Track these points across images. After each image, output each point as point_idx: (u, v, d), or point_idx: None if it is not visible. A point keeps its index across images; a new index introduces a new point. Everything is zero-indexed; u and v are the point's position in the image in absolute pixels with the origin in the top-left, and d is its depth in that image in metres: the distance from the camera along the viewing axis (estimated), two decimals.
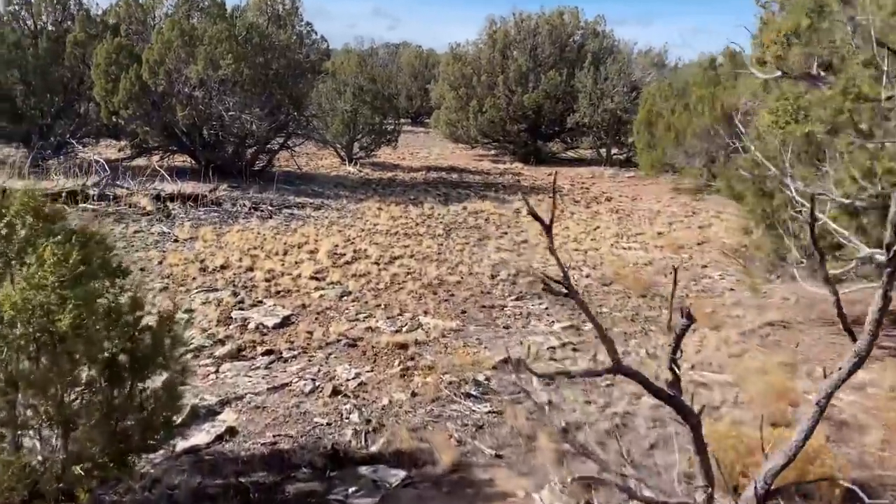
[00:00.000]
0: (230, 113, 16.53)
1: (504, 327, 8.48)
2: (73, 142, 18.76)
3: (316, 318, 8.42)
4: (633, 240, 13.94)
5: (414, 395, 6.35)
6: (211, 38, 16.03)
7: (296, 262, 10.76)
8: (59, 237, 4.10)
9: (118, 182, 15.13)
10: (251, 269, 10.33)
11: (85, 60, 17.81)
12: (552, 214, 3.91)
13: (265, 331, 7.93)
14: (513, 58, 26.45)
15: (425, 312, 8.85)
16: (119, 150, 19.35)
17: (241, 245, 11.68)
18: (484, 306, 9.21)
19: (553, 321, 8.78)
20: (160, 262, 10.35)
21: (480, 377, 6.79)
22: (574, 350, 7.79)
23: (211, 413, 5.87)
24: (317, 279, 10.02)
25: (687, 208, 17.76)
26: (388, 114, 23.96)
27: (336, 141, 22.69)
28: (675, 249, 13.03)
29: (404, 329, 8.21)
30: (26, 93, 18.22)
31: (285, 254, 11.32)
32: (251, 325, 8.00)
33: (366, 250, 11.72)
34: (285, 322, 8.23)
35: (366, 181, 20.16)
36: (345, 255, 11.42)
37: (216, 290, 9.24)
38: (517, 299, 9.61)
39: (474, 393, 6.35)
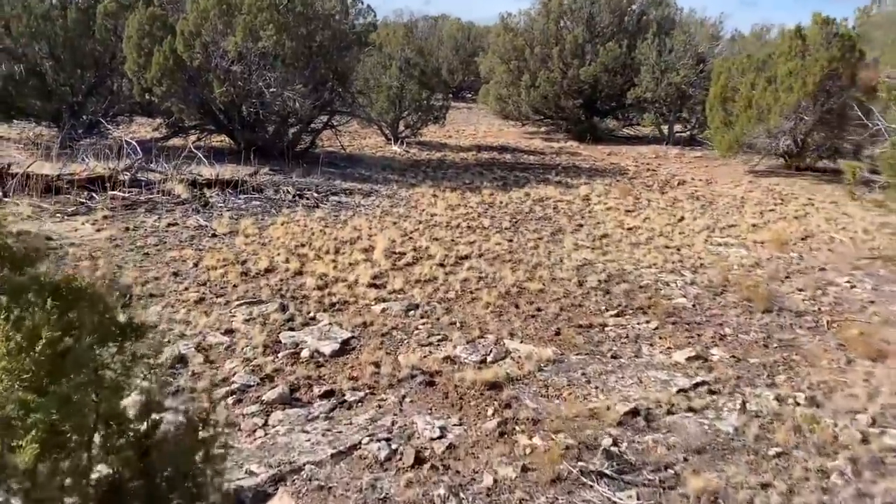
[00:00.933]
0: (271, 89, 14.92)
1: (612, 356, 6.81)
2: (105, 121, 17.36)
3: (381, 343, 6.83)
4: (727, 234, 12.09)
5: (525, 469, 4.73)
6: (250, 6, 14.39)
7: (350, 264, 9.19)
8: (30, 296, 2.55)
9: (151, 165, 13.70)
10: (300, 272, 8.77)
11: (117, 32, 16.33)
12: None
13: (322, 361, 6.38)
14: (568, 28, 24.40)
15: (511, 334, 7.21)
16: (154, 130, 17.92)
17: (287, 241, 10.13)
18: (580, 326, 7.54)
19: (669, 347, 7.08)
20: (196, 265, 8.85)
21: (606, 439, 5.14)
22: (711, 393, 6.09)
23: (259, 498, 4.33)
24: (376, 286, 8.44)
25: (773, 194, 15.76)
26: (436, 89, 22.18)
27: (381, 119, 21.01)
28: (780, 246, 11.16)
29: (489, 358, 6.59)
30: (55, 68, 16.84)
31: (337, 252, 9.75)
32: (305, 353, 6.45)
33: (427, 248, 10.09)
34: (345, 348, 6.67)
35: (414, 163, 18.49)
36: (404, 254, 9.80)
37: (261, 301, 7.71)
38: (617, 314, 7.91)
39: (607, 470, 4.70)
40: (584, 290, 8.68)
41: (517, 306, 8.04)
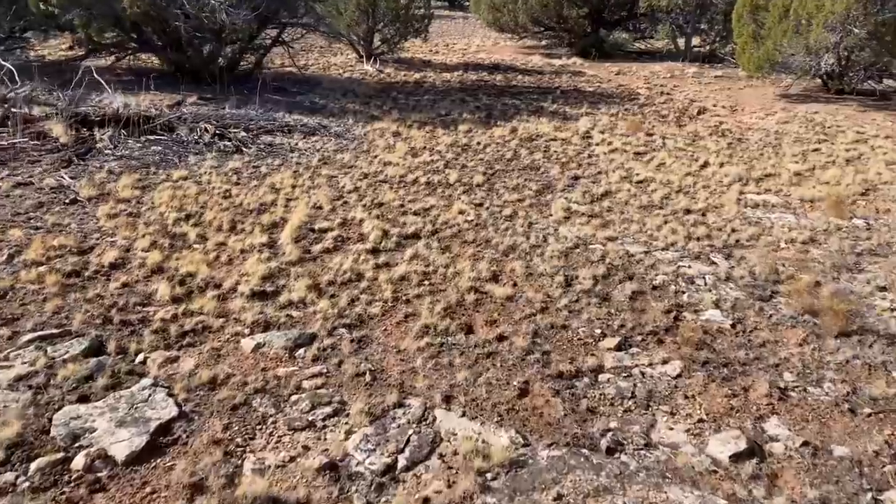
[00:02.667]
0: None
1: (608, 451, 3.99)
2: (19, 35, 14.10)
3: (225, 428, 4.03)
4: (764, 187, 9.06)
5: None
6: None
7: (239, 253, 6.30)
8: None
9: (43, 95, 10.63)
10: (158, 269, 5.90)
11: None
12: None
13: (104, 478, 3.61)
14: None
15: (448, 398, 4.39)
16: (68, 49, 14.64)
17: (169, 212, 7.21)
18: (561, 374, 4.68)
19: (701, 420, 4.27)
20: (11, 257, 5.98)
21: None
22: None
23: None
24: (264, 295, 5.58)
25: (813, 127, 12.54)
26: None
27: (351, 32, 17.54)
28: (837, 208, 8.15)
29: (402, 460, 3.81)
30: None
31: (232, 230, 6.84)
32: (79, 462, 3.68)
33: (361, 222, 7.16)
34: (157, 443, 3.88)
35: (385, 87, 15.20)
36: (326, 232, 6.88)
37: (66, 333, 4.87)
38: (619, 346, 5.06)
39: None
40: (571, 295, 5.79)
41: (469, 330, 5.19)
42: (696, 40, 21.37)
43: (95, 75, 11.08)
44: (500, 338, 5.10)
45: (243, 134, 10.27)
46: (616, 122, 12.48)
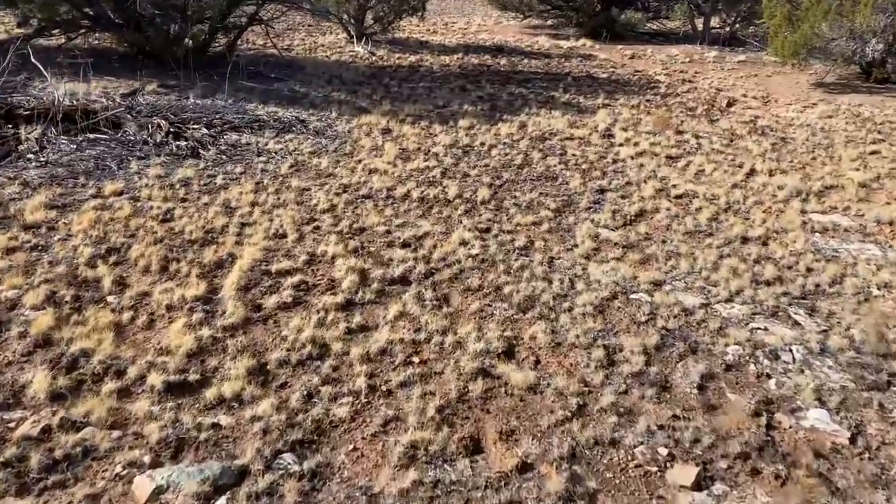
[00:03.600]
0: None
1: None
2: None
3: None
4: (827, 203, 7.33)
5: None
6: None
7: (166, 311, 4.57)
8: None
9: None
10: (43, 343, 4.17)
11: None
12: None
13: None
14: None
15: None
16: (18, 27, 12.74)
17: (86, 243, 5.46)
18: None
19: None
20: None
21: None
22: None
23: None
24: (182, 390, 3.86)
25: (863, 123, 10.77)
26: None
27: (339, 9, 15.61)
28: None
29: None
30: None
31: (163, 272, 5.11)
32: None
33: (333, 260, 5.42)
34: None
35: (376, 71, 13.35)
36: (284, 278, 5.14)
37: None
38: (696, 484, 3.37)
39: None
40: (617, 383, 4.10)
41: (476, 449, 3.50)
42: (714, 21, 19.47)
43: (33, 59, 9.25)
44: (522, 467, 3.41)
45: (204, 132, 8.48)
46: (639, 117, 10.69)
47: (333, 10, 15.44)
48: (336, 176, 7.38)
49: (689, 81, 14.13)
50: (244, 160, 7.72)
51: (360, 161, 7.89)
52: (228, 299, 4.71)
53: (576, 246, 5.97)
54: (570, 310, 4.86)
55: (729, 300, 5.17)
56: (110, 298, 4.69)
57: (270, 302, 4.74)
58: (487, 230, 6.20)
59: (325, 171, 7.53)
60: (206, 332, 4.31)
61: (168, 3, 10.07)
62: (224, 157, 7.76)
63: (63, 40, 11.65)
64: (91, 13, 10.77)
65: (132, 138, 8.08)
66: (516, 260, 5.62)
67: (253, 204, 6.44)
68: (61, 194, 6.38)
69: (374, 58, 14.64)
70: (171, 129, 8.27)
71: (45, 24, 11.51)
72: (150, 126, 8.28)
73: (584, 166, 8.18)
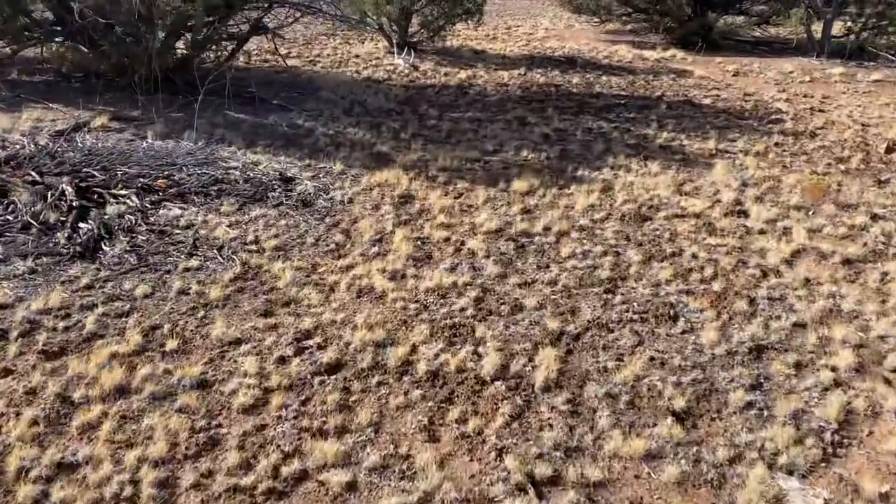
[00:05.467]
0: None
1: None
2: None
3: None
4: None
5: None
6: None
7: None
8: None
9: None
10: None
11: None
12: None
13: None
14: None
15: None
16: None
17: None
18: None
19: None
20: None
21: None
22: None
23: None
24: None
25: None
26: None
27: (379, 14, 12.45)
28: None
29: None
30: None
31: None
32: None
33: None
34: None
35: (413, 94, 10.15)
36: None
37: None
38: None
39: None
40: None
41: None
42: (835, 27, 15.40)
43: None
44: None
45: (131, 203, 5.47)
46: (774, 173, 7.16)
47: (371, 13, 12.27)
48: (297, 306, 4.24)
49: (820, 111, 10.40)
50: (162, 267, 4.65)
51: (347, 269, 4.72)
52: None
53: None
54: None
55: None
56: None
57: None
58: (555, 481, 2.93)
59: (282, 294, 4.39)
60: None
61: (124, 8, 7.08)
62: (133, 258, 4.71)
63: (8, 53, 8.89)
64: (29, 21, 7.91)
65: (14, 214, 5.14)
66: None
67: (116, 393, 3.35)
68: None
69: (415, 73, 11.44)
70: (77, 203, 5.29)
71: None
72: (47, 195, 5.32)
73: (715, 285, 4.77)
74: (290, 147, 7.32)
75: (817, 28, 15.34)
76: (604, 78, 11.88)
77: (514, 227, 5.55)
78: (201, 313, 4.07)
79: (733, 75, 12.85)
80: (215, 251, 4.84)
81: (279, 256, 4.87)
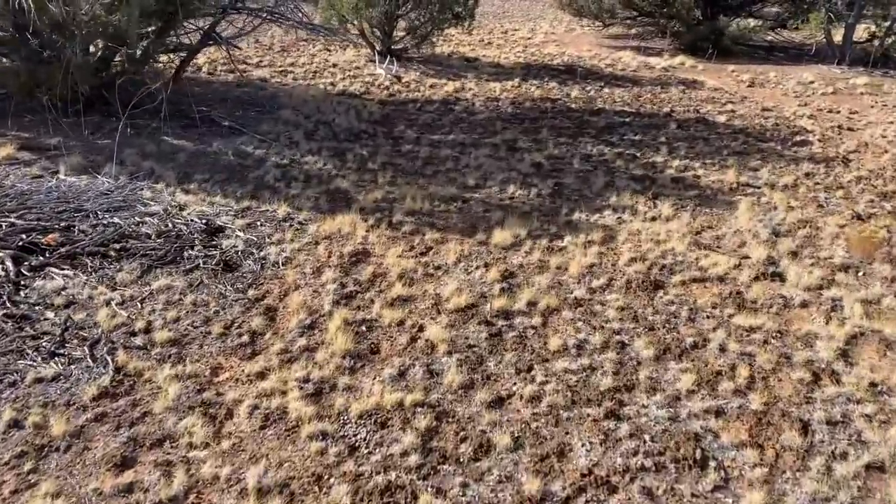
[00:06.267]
0: None
1: None
2: None
3: None
4: None
5: None
6: None
7: None
8: None
9: None
10: None
11: None
12: None
13: None
14: None
15: None
16: None
17: None
18: None
19: None
20: None
21: None
22: None
23: None
24: None
25: None
26: None
27: (360, 18, 11.12)
28: None
29: None
30: None
31: None
32: None
33: None
34: None
35: (391, 111, 8.84)
36: None
37: None
38: None
39: None
40: None
41: None
42: (857, 32, 14.01)
43: None
44: None
45: (5, 268, 4.19)
46: (807, 213, 5.85)
47: (350, 17, 10.94)
48: (172, 449, 2.95)
49: (849, 129, 9.08)
50: (5, 377, 3.37)
51: (257, 378, 3.42)
52: None
53: None
54: None
55: None
56: None
57: None
58: None
59: (156, 426, 3.09)
60: None
61: (30, 14, 5.77)
62: None
63: None
64: None
65: None
66: None
67: None
68: None
69: (397, 85, 10.13)
70: None
71: None
72: None
73: (753, 400, 3.46)
74: (231, 182, 6.03)
75: (837, 32, 13.96)
76: (606, 90, 10.54)
77: (490, 302, 4.25)
78: (27, 466, 2.79)
79: (748, 86, 11.51)
80: (86, 348, 3.56)
81: (171, 356, 3.58)
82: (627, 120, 8.90)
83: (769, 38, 15.58)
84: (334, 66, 11.15)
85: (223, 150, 6.66)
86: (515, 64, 12.23)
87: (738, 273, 4.85)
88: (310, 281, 4.40)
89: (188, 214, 5.24)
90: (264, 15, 7.79)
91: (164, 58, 7.69)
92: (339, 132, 7.68)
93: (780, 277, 4.82)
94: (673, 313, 4.27)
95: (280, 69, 10.60)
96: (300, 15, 8.00)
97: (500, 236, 5.15)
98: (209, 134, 7.08)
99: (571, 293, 4.42)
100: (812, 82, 11.78)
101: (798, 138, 8.49)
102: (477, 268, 4.69)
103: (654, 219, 5.74)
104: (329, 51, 12.28)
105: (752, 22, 14.82)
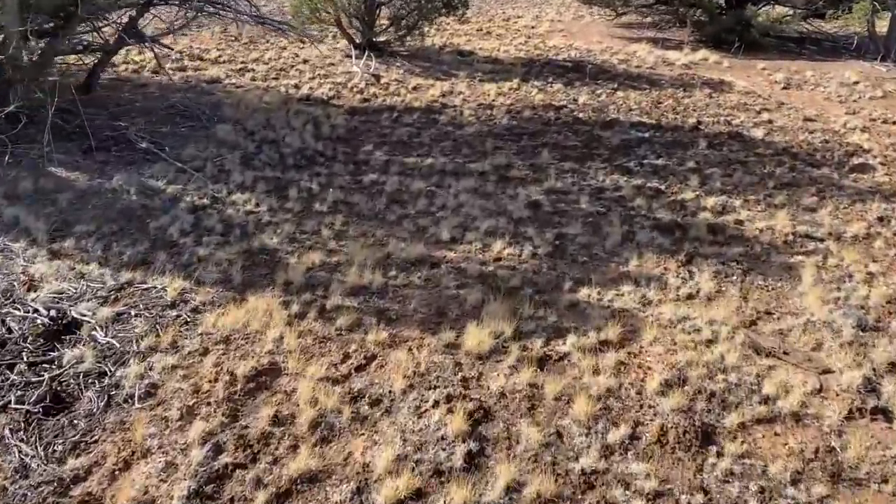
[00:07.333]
0: None
1: None
2: None
3: None
4: None
5: None
6: None
7: None
8: None
9: None
10: None
11: None
12: None
13: None
14: None
15: None
16: None
17: None
18: None
19: None
20: None
21: None
22: None
23: None
24: None
25: None
26: None
27: (332, 8, 9.31)
28: None
29: None
30: None
31: None
32: None
33: None
34: None
35: (360, 123, 7.11)
36: None
37: None
38: None
39: None
40: None
41: None
42: None
43: None
44: None
45: None
46: (894, 283, 4.14)
47: (324, 6, 9.15)
48: None
49: None
50: None
51: None
52: None
53: None
54: None
55: None
56: None
57: None
58: None
59: None
60: None
61: None
62: None
63: None
64: None
65: None
66: None
67: None
68: None
69: (374, 87, 8.38)
70: None
71: None
72: None
73: None
74: (122, 237, 4.37)
75: (880, 24, 12.05)
76: (620, 94, 8.76)
77: (445, 490, 2.58)
78: None
79: (783, 88, 9.70)
80: None
81: None
82: (646, 135, 7.15)
83: (807, 27, 13.61)
84: (305, 62, 9.39)
85: (124, 186, 4.98)
86: (516, 59, 10.42)
87: (821, 405, 3.19)
88: (169, 439, 2.77)
89: (35, 299, 3.60)
90: (200, 5, 6.03)
91: (72, 58, 5.97)
92: (287, 155, 5.98)
93: (884, 415, 3.16)
94: (734, 500, 2.62)
95: (240, 66, 8.87)
96: (247, 5, 6.23)
97: (475, 337, 3.49)
98: (114, 161, 5.40)
99: (577, 461, 2.77)
100: (856, 83, 9.95)
101: (855, 161, 6.75)
102: (435, 404, 3.04)
103: (690, 297, 4.07)
104: (302, 43, 10.49)
105: (784, 11, 12.88)
